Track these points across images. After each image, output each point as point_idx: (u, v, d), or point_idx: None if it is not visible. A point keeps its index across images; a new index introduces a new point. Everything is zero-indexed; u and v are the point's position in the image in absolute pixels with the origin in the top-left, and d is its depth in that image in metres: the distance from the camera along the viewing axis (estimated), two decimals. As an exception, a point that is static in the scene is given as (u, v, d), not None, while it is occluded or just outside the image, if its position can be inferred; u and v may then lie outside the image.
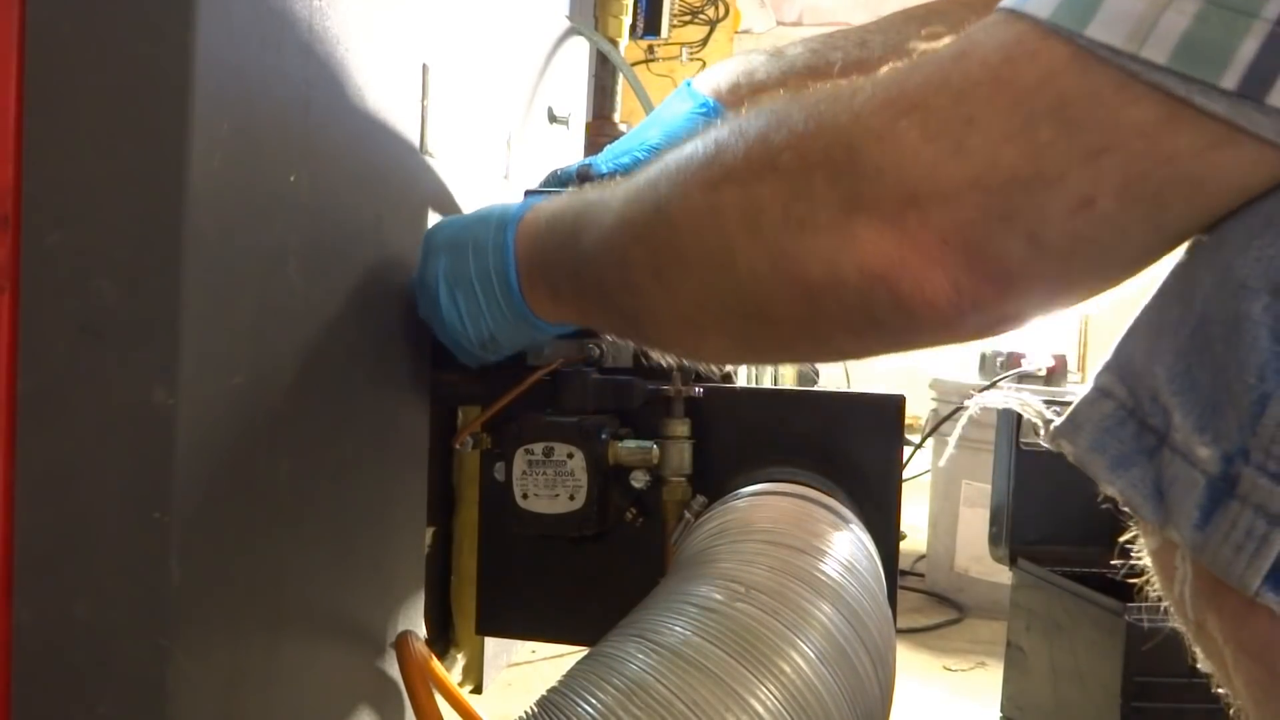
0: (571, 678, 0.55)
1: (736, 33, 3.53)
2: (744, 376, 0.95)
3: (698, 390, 0.80)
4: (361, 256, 0.65)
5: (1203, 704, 0.50)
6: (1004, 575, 1.47)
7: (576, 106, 1.25)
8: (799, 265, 0.45)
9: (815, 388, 1.66)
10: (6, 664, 0.47)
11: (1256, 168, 0.36)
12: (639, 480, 0.80)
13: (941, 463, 1.94)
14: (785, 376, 1.84)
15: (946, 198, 0.40)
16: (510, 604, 0.86)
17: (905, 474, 0.83)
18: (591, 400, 0.80)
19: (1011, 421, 1.40)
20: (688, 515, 0.78)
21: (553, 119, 1.15)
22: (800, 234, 0.45)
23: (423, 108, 0.74)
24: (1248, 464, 0.35)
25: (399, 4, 0.69)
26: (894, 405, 0.81)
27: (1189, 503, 0.37)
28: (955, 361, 2.18)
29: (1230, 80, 0.34)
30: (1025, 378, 1.87)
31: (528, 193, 0.87)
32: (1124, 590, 1.09)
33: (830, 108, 0.45)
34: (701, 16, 3.36)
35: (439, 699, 0.71)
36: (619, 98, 1.21)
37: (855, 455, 0.80)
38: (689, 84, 0.86)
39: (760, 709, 0.51)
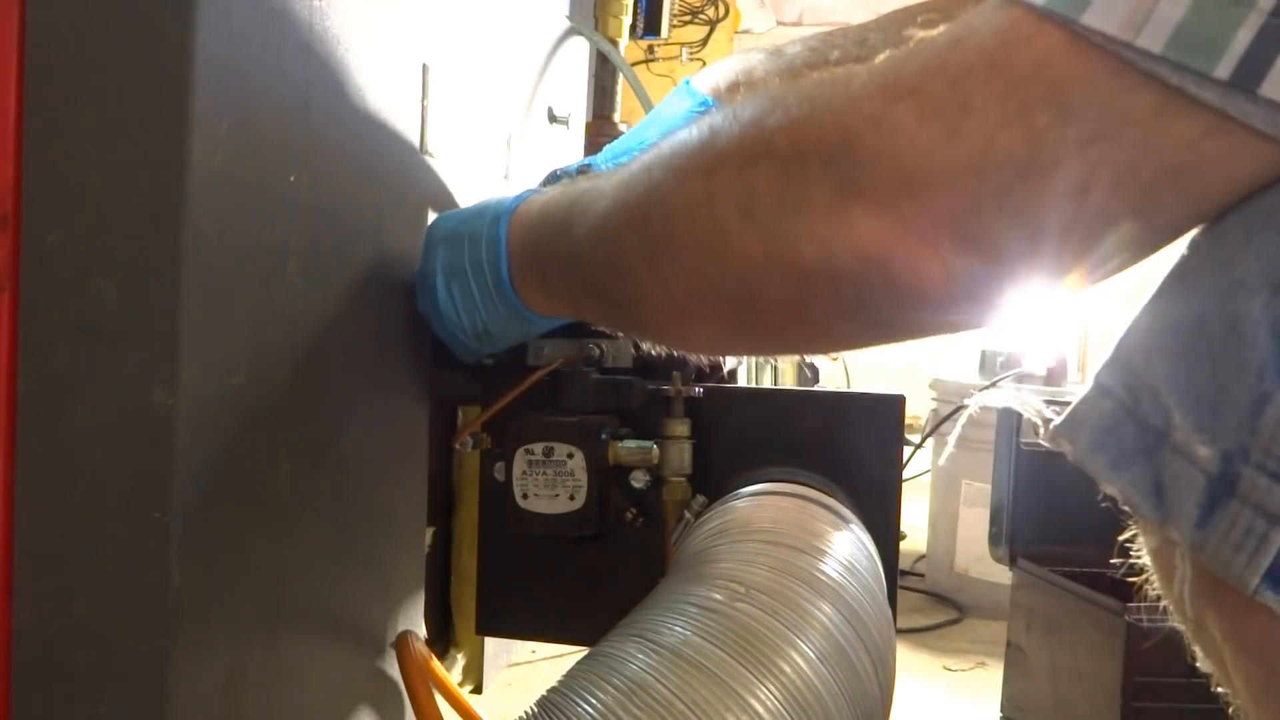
0: (571, 678, 0.55)
1: (736, 33, 3.53)
2: (744, 377, 0.95)
3: (698, 390, 0.80)
4: (361, 256, 0.65)
5: (1203, 704, 0.50)
6: (1004, 575, 1.47)
7: (576, 106, 1.25)
8: (792, 249, 0.45)
9: (815, 388, 1.67)
10: (6, 664, 0.47)
11: (1246, 159, 0.36)
12: (639, 480, 0.80)
13: (942, 461, 1.94)
14: (785, 376, 1.84)
15: (942, 182, 0.40)
16: (510, 604, 0.86)
17: (905, 474, 0.83)
18: (591, 400, 0.80)
19: (1012, 421, 1.40)
20: (688, 515, 0.78)
21: (553, 119, 1.15)
22: (794, 218, 0.45)
23: (423, 108, 0.74)
24: (1247, 463, 0.35)
25: (399, 4, 0.69)
26: (894, 405, 0.80)
27: (1189, 502, 0.37)
28: (955, 361, 2.18)
29: (1224, 70, 0.34)
30: (1025, 378, 1.87)
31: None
32: (1124, 590, 1.09)
33: (826, 92, 0.44)
34: (701, 16, 3.36)
35: (439, 699, 0.71)
36: (619, 98, 1.21)
37: (855, 455, 0.80)
38: (688, 83, 0.86)
39: (760, 709, 0.51)
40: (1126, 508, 0.40)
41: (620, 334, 0.74)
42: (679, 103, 0.85)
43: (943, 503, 2.02)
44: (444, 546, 0.88)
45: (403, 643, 0.72)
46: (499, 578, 0.86)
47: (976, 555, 1.88)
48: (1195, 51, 0.34)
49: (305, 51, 0.55)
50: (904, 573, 2.09)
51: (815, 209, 0.44)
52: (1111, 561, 0.49)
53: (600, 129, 1.18)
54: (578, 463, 0.78)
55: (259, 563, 0.54)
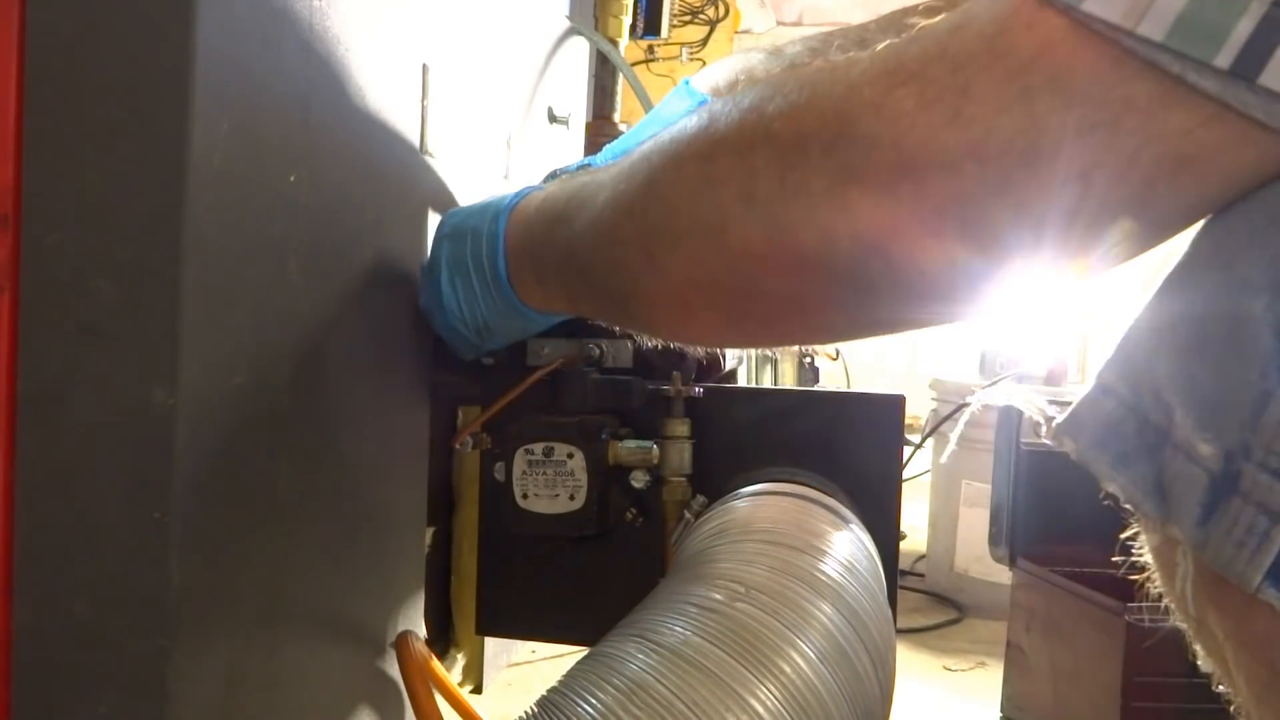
0: (571, 678, 0.55)
1: (736, 33, 3.54)
2: (744, 377, 0.94)
3: (698, 390, 0.80)
4: (361, 256, 0.65)
5: (1203, 704, 0.50)
6: (1004, 575, 1.47)
7: (576, 106, 1.25)
8: (792, 234, 0.45)
9: (815, 388, 1.67)
10: (6, 664, 0.47)
11: (1245, 149, 0.36)
12: (639, 480, 0.80)
13: (943, 459, 1.94)
14: (785, 376, 1.84)
15: (942, 167, 0.40)
16: (510, 604, 0.86)
17: (905, 474, 0.83)
18: (591, 400, 0.80)
19: (1013, 420, 1.40)
20: (688, 515, 0.78)
21: (553, 119, 1.15)
22: (794, 203, 0.44)
23: (423, 108, 0.74)
24: (1249, 461, 0.35)
25: (399, 4, 0.69)
26: (894, 405, 0.80)
27: (1190, 499, 0.37)
28: (955, 361, 2.18)
29: (1224, 59, 0.34)
30: (1025, 378, 1.87)
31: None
32: (1124, 590, 1.09)
33: (826, 79, 0.44)
34: (701, 16, 3.36)
35: (439, 699, 0.71)
36: (619, 98, 1.21)
37: (855, 455, 0.80)
38: (688, 83, 0.86)
39: (760, 709, 0.51)
40: (1128, 506, 0.40)
41: (616, 328, 0.74)
42: (678, 102, 0.85)
43: (943, 503, 2.03)
44: (444, 546, 0.88)
45: (403, 643, 0.72)
46: (499, 578, 0.86)
47: (976, 555, 1.88)
48: (1196, 40, 0.34)
49: (305, 51, 0.55)
50: (904, 573, 2.09)
51: (815, 194, 0.44)
52: (1113, 560, 0.49)
53: (600, 129, 1.18)
54: (578, 463, 0.78)
55: (259, 563, 0.54)
